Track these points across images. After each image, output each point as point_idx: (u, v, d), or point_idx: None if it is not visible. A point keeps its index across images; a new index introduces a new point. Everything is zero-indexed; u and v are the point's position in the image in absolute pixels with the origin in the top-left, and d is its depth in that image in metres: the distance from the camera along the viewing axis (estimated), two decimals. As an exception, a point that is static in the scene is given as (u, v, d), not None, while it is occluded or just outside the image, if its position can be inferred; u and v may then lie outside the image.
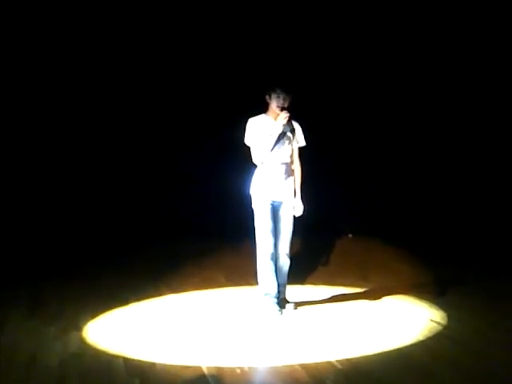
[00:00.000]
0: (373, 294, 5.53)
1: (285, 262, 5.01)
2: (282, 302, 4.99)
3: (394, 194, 8.46)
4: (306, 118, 5.12)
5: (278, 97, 4.87)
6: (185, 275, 6.46)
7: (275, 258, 4.92)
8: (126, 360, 3.89)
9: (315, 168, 5.35)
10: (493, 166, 8.28)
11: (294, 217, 5.03)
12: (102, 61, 7.96)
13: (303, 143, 5.07)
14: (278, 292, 4.92)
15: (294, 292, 5.34)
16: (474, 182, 8.25)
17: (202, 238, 7.71)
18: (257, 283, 5.03)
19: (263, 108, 5.01)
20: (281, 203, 4.97)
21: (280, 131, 4.86)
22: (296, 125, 5.02)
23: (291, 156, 5.02)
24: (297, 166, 5.08)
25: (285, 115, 4.82)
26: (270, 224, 4.87)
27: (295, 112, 4.94)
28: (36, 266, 6.89)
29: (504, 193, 8.11)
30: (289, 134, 4.93)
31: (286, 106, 4.86)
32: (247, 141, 4.96)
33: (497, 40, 7.92)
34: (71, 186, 8.07)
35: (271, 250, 4.86)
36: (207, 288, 5.97)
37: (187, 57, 8.08)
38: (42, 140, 7.96)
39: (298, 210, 5.03)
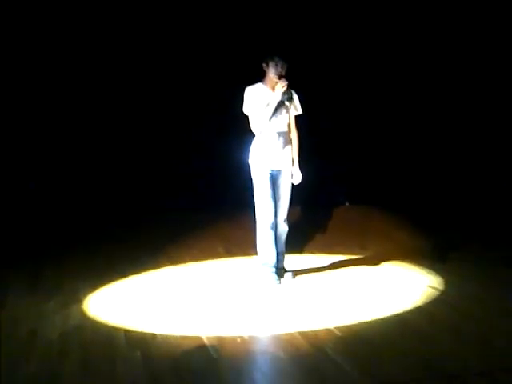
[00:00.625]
0: (371, 262, 5.55)
1: (284, 230, 5.03)
2: (280, 271, 5.01)
3: (391, 162, 8.45)
4: (301, 86, 5.08)
5: (276, 65, 4.82)
6: (183, 247, 6.46)
7: (275, 227, 4.93)
8: (126, 332, 3.92)
9: (312, 136, 5.32)
10: (492, 134, 8.28)
11: (292, 185, 5.03)
12: (109, 39, 7.88)
13: (300, 111, 5.04)
14: (277, 261, 4.94)
15: (293, 261, 5.36)
16: (476, 148, 8.25)
17: (200, 210, 7.70)
18: (255, 254, 5.05)
19: (260, 76, 4.96)
20: (280, 172, 4.96)
21: (278, 100, 4.83)
22: (293, 93, 4.97)
23: (289, 125, 5.00)
24: (294, 135, 5.05)
25: (283, 83, 4.78)
26: (269, 193, 4.87)
27: (292, 79, 4.90)
28: (34, 241, 6.88)
29: (505, 160, 8.12)
30: (286, 102, 4.90)
31: (283, 74, 4.82)
32: (245, 110, 4.93)
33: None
34: (70, 157, 8.02)
35: (272, 218, 4.87)
36: (206, 259, 5.98)
37: (187, 29, 7.99)
38: (45, 116, 7.91)
39: (297, 178, 5.02)
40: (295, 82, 4.95)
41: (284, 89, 4.78)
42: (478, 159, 8.27)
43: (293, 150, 5.03)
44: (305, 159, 5.11)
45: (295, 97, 4.98)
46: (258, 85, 4.94)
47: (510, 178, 7.94)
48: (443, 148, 8.41)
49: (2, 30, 7.42)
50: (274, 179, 4.94)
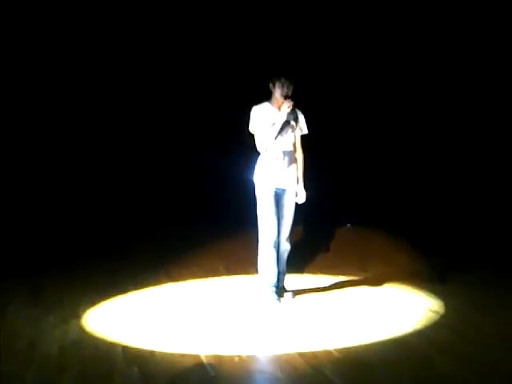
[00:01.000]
0: (371, 284, 5.55)
1: (285, 248, 5.05)
2: (280, 290, 5.01)
3: (393, 185, 8.46)
4: (307, 106, 5.13)
5: (282, 85, 4.89)
6: (184, 264, 6.47)
7: (277, 246, 4.94)
8: (124, 348, 3.91)
9: (316, 156, 5.36)
10: (493, 158, 8.28)
11: (296, 204, 5.05)
12: (111, 45, 7.93)
13: (306, 131, 5.10)
14: (278, 280, 4.94)
15: (293, 281, 5.36)
16: (475, 172, 8.24)
17: (200, 228, 7.71)
18: (255, 272, 5.05)
19: (266, 96, 5.02)
20: (284, 190, 5.00)
21: (284, 120, 4.88)
22: (299, 113, 5.04)
23: (294, 144, 5.05)
24: (299, 154, 5.11)
25: (288, 104, 4.83)
26: (273, 211, 4.90)
27: (298, 100, 4.95)
28: (35, 257, 6.89)
29: (504, 185, 8.11)
30: (292, 122, 4.95)
31: (289, 94, 4.87)
32: (251, 129, 4.98)
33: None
34: (70, 176, 8.05)
35: (274, 237, 4.89)
36: (206, 277, 5.99)
37: (192, 49, 8.07)
38: (41, 131, 7.95)
39: (301, 197, 5.05)
40: (301, 102, 5.01)
41: (289, 109, 4.84)
42: (477, 183, 8.27)
43: (298, 170, 5.07)
44: (308, 179, 5.15)
45: (301, 117, 5.05)
46: (265, 104, 5.00)
47: (509, 201, 7.94)
48: (443, 171, 8.42)
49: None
50: (278, 198, 4.98)
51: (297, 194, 5.05)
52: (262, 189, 4.94)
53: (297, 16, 7.92)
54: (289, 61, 7.08)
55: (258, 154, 5.01)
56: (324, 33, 8.06)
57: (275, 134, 4.89)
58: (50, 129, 7.94)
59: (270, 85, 4.97)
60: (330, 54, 8.14)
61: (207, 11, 7.92)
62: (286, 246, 5.05)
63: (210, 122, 8.13)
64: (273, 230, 4.88)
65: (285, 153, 4.97)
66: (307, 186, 5.08)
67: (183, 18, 7.93)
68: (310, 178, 5.17)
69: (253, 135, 4.99)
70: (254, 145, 4.99)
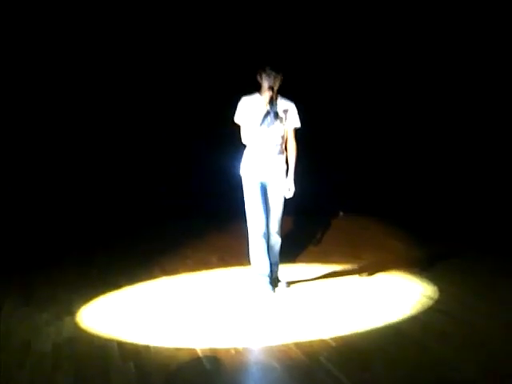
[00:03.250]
0: (365, 271, 5.55)
1: (276, 241, 5.03)
2: (274, 281, 5.01)
3: (387, 172, 8.47)
4: (301, 95, 5.10)
5: (268, 76, 4.83)
6: (177, 257, 6.45)
7: (267, 237, 4.92)
8: (120, 343, 3.90)
9: (307, 146, 5.33)
10: (488, 144, 8.30)
11: (285, 197, 5.02)
12: (103, 39, 7.88)
13: (298, 124, 5.00)
14: (271, 271, 4.93)
15: (286, 271, 5.36)
16: (470, 157, 8.27)
17: (193, 220, 7.70)
18: (249, 264, 5.04)
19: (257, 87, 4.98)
20: (270, 182, 4.95)
21: (264, 111, 4.82)
22: (291, 105, 4.96)
23: (283, 137, 4.99)
24: (291, 147, 5.00)
25: (268, 95, 4.78)
26: (260, 203, 4.87)
27: (290, 92, 4.92)
28: (28, 254, 6.86)
29: (500, 169, 8.14)
30: (281, 114, 4.89)
31: (275, 85, 4.82)
32: (236, 119, 4.94)
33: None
34: (60, 173, 8.02)
35: (263, 229, 4.86)
36: (200, 270, 5.97)
37: (185, 43, 8.03)
38: (36, 126, 7.91)
39: (289, 191, 4.99)
40: (295, 93, 4.97)
41: (267, 99, 4.78)
42: (473, 168, 8.30)
43: (289, 162, 5.01)
44: (300, 168, 5.11)
45: (293, 108, 4.97)
46: (255, 95, 4.95)
47: (504, 188, 7.96)
48: (438, 157, 8.43)
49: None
50: (265, 190, 4.94)
51: (285, 188, 4.97)
52: (248, 181, 4.90)
53: (289, 6, 7.89)
54: (278, 52, 7.06)
55: (244, 147, 4.97)
56: (318, 24, 8.04)
57: (257, 126, 4.83)
58: (36, 123, 7.89)
59: (258, 76, 4.91)
60: (324, 44, 8.13)
61: (195, 2, 7.88)
62: (276, 239, 5.02)
63: (202, 116, 8.10)
64: (260, 223, 4.84)
65: (271, 144, 4.91)
66: (297, 176, 5.01)
67: (171, 8, 7.88)
68: (302, 167, 5.13)
69: (238, 126, 4.96)
70: (240, 136, 4.95)
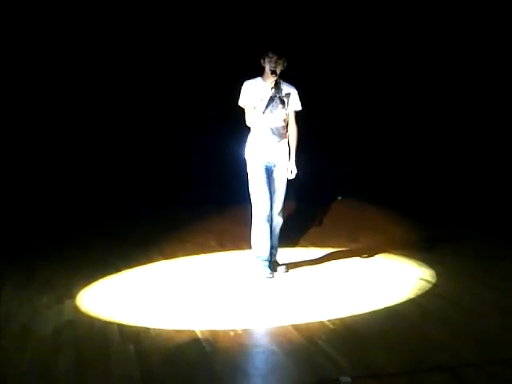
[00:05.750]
0: (363, 255, 5.57)
1: (278, 222, 5.08)
2: (273, 264, 5.04)
3: (384, 157, 8.47)
4: (301, 80, 5.10)
5: (271, 60, 4.84)
6: (176, 241, 6.47)
7: (270, 220, 4.95)
8: (120, 326, 3.92)
9: (307, 131, 5.34)
10: (486, 130, 8.29)
11: (288, 179, 5.05)
12: (98, 32, 7.86)
13: (299, 107, 5.04)
14: (270, 255, 4.96)
15: (285, 254, 5.38)
16: (468, 142, 8.26)
17: (192, 204, 7.70)
18: (248, 247, 5.07)
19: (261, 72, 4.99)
20: (274, 165, 4.99)
21: (269, 95, 4.84)
22: (292, 89, 5.01)
23: (285, 120, 5.01)
24: (292, 130, 5.07)
25: (272, 79, 4.80)
26: (265, 186, 4.91)
27: (293, 76, 4.93)
28: (28, 237, 6.87)
29: (497, 154, 8.14)
30: (283, 97, 4.92)
31: (277, 69, 4.83)
32: (241, 102, 4.96)
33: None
34: (58, 157, 8.01)
35: (267, 211, 4.90)
36: (199, 253, 5.99)
37: (184, 25, 7.97)
38: (34, 110, 7.89)
39: (291, 173, 5.04)
40: (296, 78, 4.98)
41: (272, 84, 4.80)
42: (472, 153, 8.29)
43: (290, 145, 5.05)
44: (300, 153, 5.13)
45: (294, 93, 5.00)
46: (258, 79, 4.97)
47: (503, 173, 7.97)
48: (436, 142, 8.42)
49: (1, 30, 7.40)
50: (269, 173, 4.98)
51: (288, 170, 5.03)
52: (253, 164, 4.94)
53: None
54: (280, 36, 7.02)
55: (249, 130, 4.99)
56: (321, 8, 7.99)
57: (262, 109, 4.86)
58: (32, 113, 7.88)
59: (261, 60, 4.93)
60: (325, 28, 8.08)
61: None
62: (278, 220, 5.07)
63: (202, 99, 8.07)
64: (265, 205, 4.89)
65: (275, 128, 4.95)
66: (297, 161, 5.05)
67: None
68: (301, 152, 5.14)
69: (243, 109, 4.97)
70: (244, 120, 4.96)
